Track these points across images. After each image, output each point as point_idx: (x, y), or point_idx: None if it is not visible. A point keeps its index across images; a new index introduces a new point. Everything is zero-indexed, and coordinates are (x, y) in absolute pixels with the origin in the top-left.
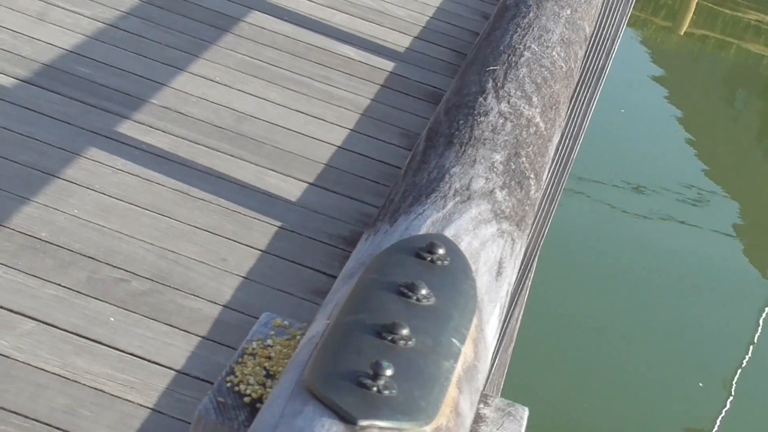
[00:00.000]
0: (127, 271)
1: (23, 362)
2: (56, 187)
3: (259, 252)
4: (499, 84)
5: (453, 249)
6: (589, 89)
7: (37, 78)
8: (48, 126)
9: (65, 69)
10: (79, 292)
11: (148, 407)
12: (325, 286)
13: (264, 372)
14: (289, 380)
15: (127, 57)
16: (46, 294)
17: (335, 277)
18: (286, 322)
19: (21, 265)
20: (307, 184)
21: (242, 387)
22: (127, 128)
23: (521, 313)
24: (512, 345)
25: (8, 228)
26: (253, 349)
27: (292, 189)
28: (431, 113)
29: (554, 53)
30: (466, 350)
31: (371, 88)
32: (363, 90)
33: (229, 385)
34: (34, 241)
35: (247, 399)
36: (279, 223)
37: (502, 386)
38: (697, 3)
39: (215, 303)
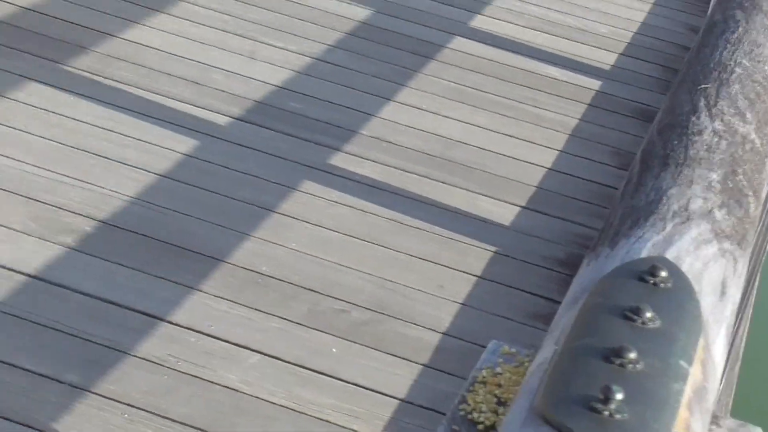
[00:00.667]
0: (347, 302)
1: (251, 395)
2: (274, 221)
3: (475, 278)
4: (711, 102)
5: (675, 271)
6: None
7: (249, 115)
8: (263, 162)
9: (276, 105)
10: (300, 324)
11: None
12: (544, 309)
13: (495, 399)
14: (521, 407)
15: (335, 89)
16: (269, 327)
17: (553, 300)
18: (513, 350)
19: (244, 300)
20: (519, 208)
21: (475, 415)
22: (339, 160)
23: (746, 330)
24: (738, 363)
25: (231, 264)
26: (484, 377)
27: (504, 213)
28: (642, 131)
29: (766, 68)
30: (695, 371)
31: (578, 107)
32: (570, 110)
33: (462, 413)
34: (256, 276)
35: (480, 426)
36: (493, 248)
37: (730, 406)
38: None
39: (435, 331)
